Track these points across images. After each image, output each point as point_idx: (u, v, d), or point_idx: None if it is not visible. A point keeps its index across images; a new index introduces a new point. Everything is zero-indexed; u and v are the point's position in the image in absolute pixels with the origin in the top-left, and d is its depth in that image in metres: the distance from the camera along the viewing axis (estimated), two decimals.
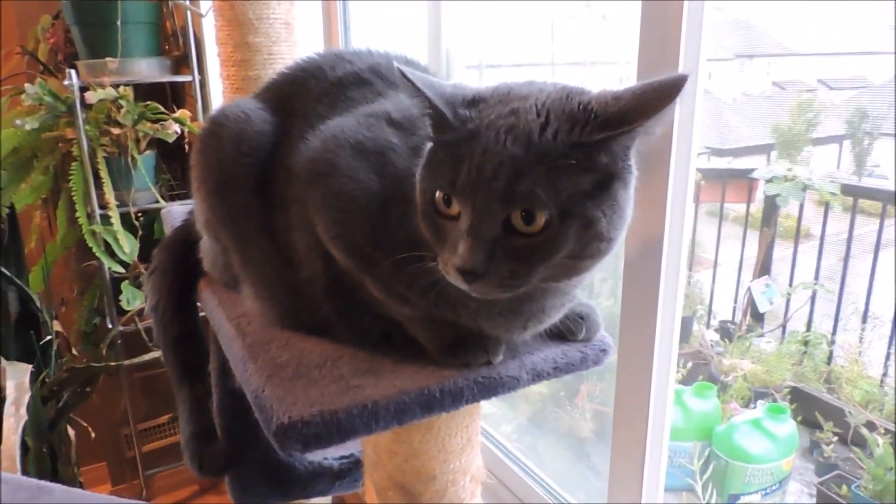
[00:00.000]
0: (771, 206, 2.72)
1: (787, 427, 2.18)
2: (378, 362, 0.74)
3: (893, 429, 2.16)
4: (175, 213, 1.27)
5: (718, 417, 2.24)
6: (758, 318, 2.64)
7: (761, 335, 2.61)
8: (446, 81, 0.82)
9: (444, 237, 0.59)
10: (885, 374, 2.37)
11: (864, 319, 2.43)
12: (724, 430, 2.19)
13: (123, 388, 2.70)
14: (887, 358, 2.36)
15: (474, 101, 0.59)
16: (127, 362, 2.54)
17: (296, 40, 1.61)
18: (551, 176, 0.52)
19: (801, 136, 4.18)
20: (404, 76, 0.58)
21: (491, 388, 0.72)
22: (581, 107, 0.54)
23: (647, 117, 0.50)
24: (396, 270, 0.68)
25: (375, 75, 0.83)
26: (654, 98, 0.50)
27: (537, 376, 0.74)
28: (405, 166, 0.68)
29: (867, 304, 2.44)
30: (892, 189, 2.33)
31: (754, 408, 2.27)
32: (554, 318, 0.73)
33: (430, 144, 0.62)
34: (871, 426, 2.16)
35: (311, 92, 0.85)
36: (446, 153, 0.57)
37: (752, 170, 2.68)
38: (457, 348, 0.73)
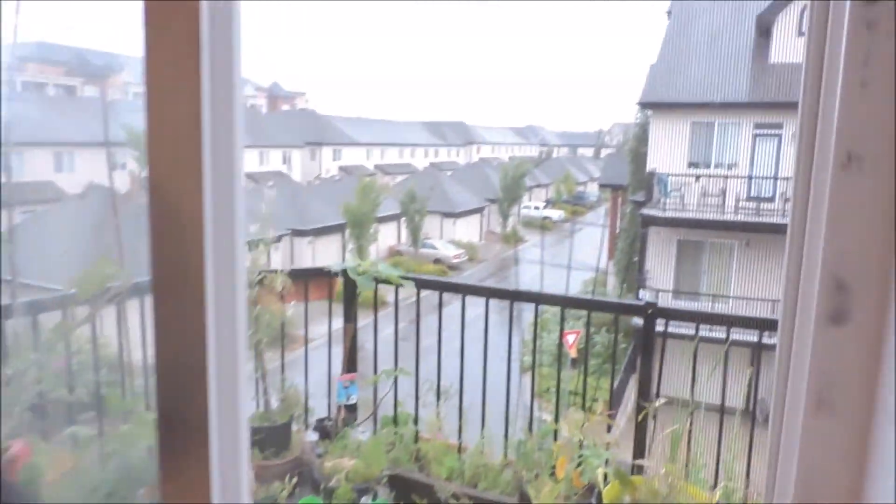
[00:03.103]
0: (351, 296, 2.72)
1: None
2: None
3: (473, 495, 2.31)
4: None
5: None
6: (351, 409, 2.59)
7: (357, 426, 2.57)
8: None
9: None
10: (460, 442, 2.55)
11: (438, 395, 2.59)
12: None
13: None
14: (459, 429, 2.55)
15: None
16: None
17: None
18: None
19: (368, 215, 4.49)
20: None
21: None
22: None
23: None
24: None
25: None
26: None
27: None
28: None
29: (438, 379, 2.60)
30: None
31: None
32: None
33: None
34: (456, 497, 2.28)
35: None
36: None
37: (329, 268, 2.64)
38: None
